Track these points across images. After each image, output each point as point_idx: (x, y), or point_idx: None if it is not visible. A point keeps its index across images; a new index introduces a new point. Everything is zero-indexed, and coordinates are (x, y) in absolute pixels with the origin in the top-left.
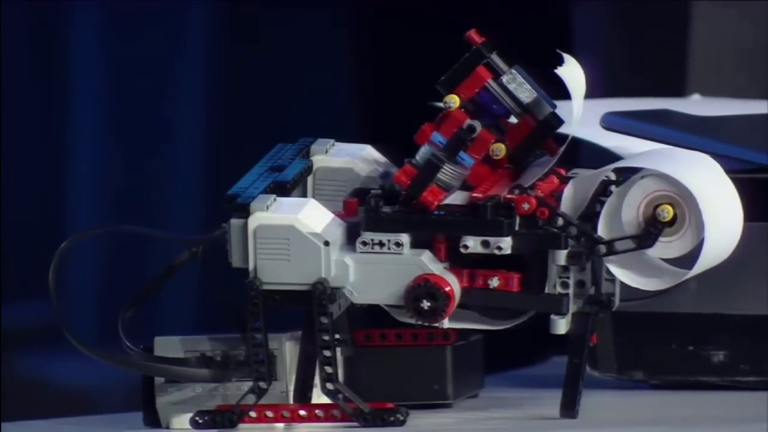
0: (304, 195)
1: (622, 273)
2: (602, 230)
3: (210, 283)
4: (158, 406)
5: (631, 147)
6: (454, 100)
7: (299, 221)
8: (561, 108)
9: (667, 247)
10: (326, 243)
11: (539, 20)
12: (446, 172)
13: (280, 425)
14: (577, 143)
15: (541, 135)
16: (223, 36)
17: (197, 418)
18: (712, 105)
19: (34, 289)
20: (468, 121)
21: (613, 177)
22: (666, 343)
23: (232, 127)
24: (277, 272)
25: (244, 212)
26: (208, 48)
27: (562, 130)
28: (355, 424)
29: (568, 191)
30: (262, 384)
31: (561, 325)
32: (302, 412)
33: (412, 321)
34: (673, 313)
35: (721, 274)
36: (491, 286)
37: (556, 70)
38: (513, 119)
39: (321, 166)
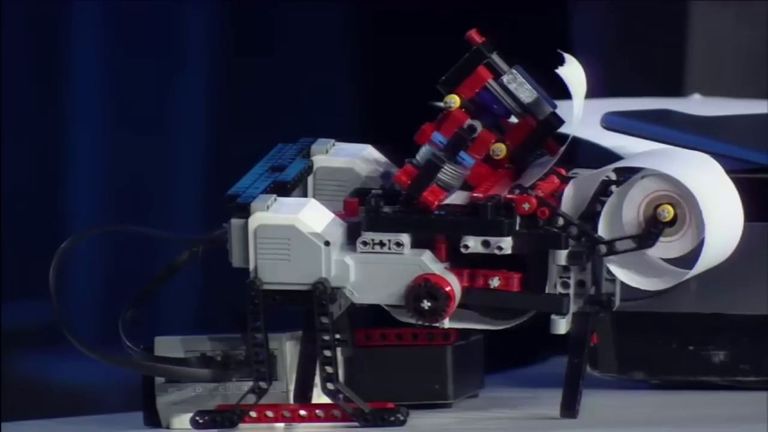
0: (304, 195)
1: (622, 273)
2: (603, 230)
3: (210, 283)
4: (158, 406)
5: (631, 147)
6: (454, 100)
7: (300, 221)
8: (561, 108)
9: (667, 247)
10: (327, 243)
11: (539, 20)
12: (447, 172)
13: (281, 425)
14: (578, 143)
15: (542, 135)
16: (223, 36)
17: (197, 418)
18: (712, 105)
19: (34, 289)
20: (468, 121)
21: (613, 177)
22: (666, 343)
23: (232, 127)
24: (277, 272)
25: (245, 212)
26: (208, 48)
27: (563, 129)
28: (356, 424)
29: (568, 191)
30: (263, 384)
31: (561, 325)
32: (302, 412)
33: (413, 321)
34: (673, 313)
35: (721, 274)
36: (492, 286)
37: (557, 70)
38: (513, 119)
39: (321, 166)
